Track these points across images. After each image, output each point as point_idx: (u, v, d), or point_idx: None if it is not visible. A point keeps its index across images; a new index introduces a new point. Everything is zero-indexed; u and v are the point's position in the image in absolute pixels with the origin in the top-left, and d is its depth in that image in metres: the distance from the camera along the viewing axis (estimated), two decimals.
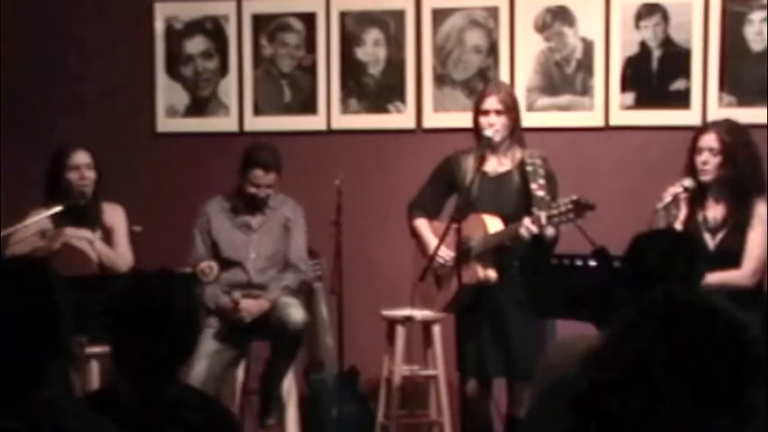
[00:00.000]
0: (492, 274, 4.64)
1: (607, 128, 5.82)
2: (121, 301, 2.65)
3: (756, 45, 5.67)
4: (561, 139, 5.70)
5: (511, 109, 4.75)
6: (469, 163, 4.74)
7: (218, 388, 5.16)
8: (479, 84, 5.76)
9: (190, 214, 5.42)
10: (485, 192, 4.73)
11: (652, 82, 5.78)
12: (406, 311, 5.38)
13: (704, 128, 4.80)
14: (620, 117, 5.80)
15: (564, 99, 5.85)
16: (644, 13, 5.76)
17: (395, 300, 5.39)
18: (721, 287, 4.21)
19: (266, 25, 6.13)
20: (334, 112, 6.07)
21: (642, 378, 1.49)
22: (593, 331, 3.15)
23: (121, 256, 5.21)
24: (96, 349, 4.90)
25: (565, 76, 5.84)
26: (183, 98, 6.22)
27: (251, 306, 5.20)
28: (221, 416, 2.73)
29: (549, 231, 4.53)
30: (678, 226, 4.59)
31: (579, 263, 3.96)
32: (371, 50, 6.05)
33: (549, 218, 4.43)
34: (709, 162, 4.60)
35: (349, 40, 6.06)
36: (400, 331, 5.44)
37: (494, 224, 4.66)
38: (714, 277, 3.94)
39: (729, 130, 4.66)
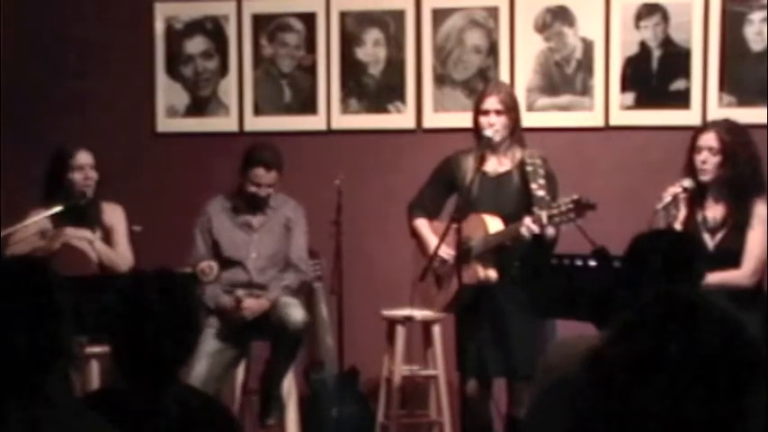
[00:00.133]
0: (492, 274, 4.64)
1: (607, 128, 5.82)
2: (121, 300, 2.65)
3: (756, 45, 5.67)
4: (561, 139, 5.70)
5: (511, 109, 4.75)
6: (469, 163, 4.74)
7: (219, 388, 5.17)
8: (479, 84, 5.76)
9: (190, 214, 5.42)
10: (485, 192, 4.73)
11: (652, 82, 5.78)
12: (406, 311, 5.38)
13: (704, 127, 4.79)
14: (620, 117, 5.80)
15: (564, 99, 5.85)
16: (644, 13, 5.76)
17: (395, 300, 5.39)
18: (721, 287, 4.20)
19: (266, 25, 6.13)
20: (334, 112, 6.07)
21: (642, 378, 1.49)
22: (593, 331, 3.14)
23: (121, 256, 5.21)
24: (96, 349, 4.90)
25: (565, 76, 5.84)
26: (183, 98, 6.21)
27: (252, 305, 5.21)
28: (221, 416, 2.73)
29: (550, 231, 4.53)
30: (678, 226, 4.58)
31: (579, 263, 3.96)
32: (371, 50, 6.04)
33: (551, 217, 4.43)
34: (708, 161, 4.60)
35: (349, 40, 6.06)
36: (400, 331, 5.44)
37: (494, 224, 4.66)
38: (714, 277, 3.93)
39: (729, 130, 4.65)
